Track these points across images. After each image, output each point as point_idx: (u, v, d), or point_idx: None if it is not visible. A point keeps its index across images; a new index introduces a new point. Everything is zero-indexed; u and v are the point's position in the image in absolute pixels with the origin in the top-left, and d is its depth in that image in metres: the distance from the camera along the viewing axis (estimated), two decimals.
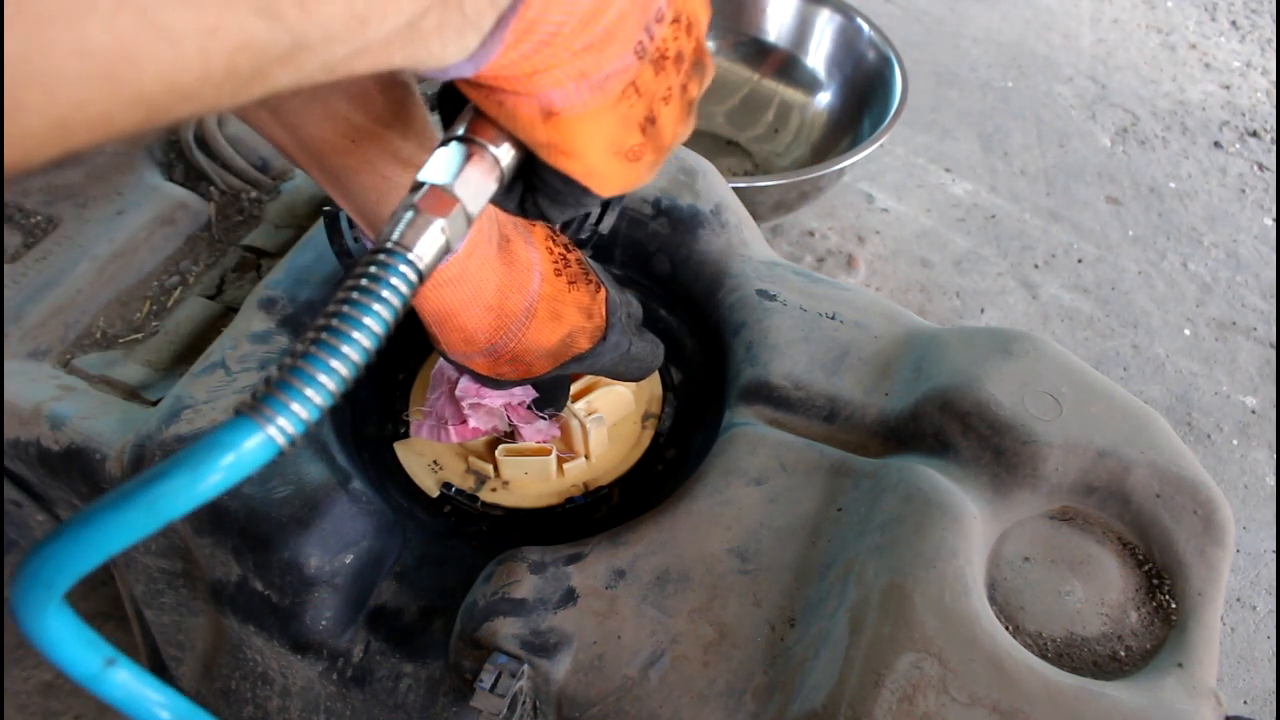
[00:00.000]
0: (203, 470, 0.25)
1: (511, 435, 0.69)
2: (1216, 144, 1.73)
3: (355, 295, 0.28)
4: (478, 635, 0.54)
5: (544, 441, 0.68)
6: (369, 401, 0.73)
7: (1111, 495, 0.60)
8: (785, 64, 1.57)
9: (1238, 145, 1.73)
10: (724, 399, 0.69)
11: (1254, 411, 1.31)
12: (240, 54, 0.21)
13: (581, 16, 0.29)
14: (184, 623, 0.66)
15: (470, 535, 0.66)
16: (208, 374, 0.65)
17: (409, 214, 0.31)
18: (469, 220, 0.33)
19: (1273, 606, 1.12)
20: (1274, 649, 1.08)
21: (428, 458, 0.69)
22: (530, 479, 0.67)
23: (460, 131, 0.34)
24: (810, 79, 1.55)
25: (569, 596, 0.55)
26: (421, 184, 0.32)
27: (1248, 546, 1.17)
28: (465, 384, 0.66)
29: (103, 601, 0.96)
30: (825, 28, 1.52)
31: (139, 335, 0.74)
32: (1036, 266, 1.47)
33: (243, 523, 0.58)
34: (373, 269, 0.29)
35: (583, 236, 0.72)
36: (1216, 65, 1.92)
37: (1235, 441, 1.27)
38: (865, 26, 1.46)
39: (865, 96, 1.45)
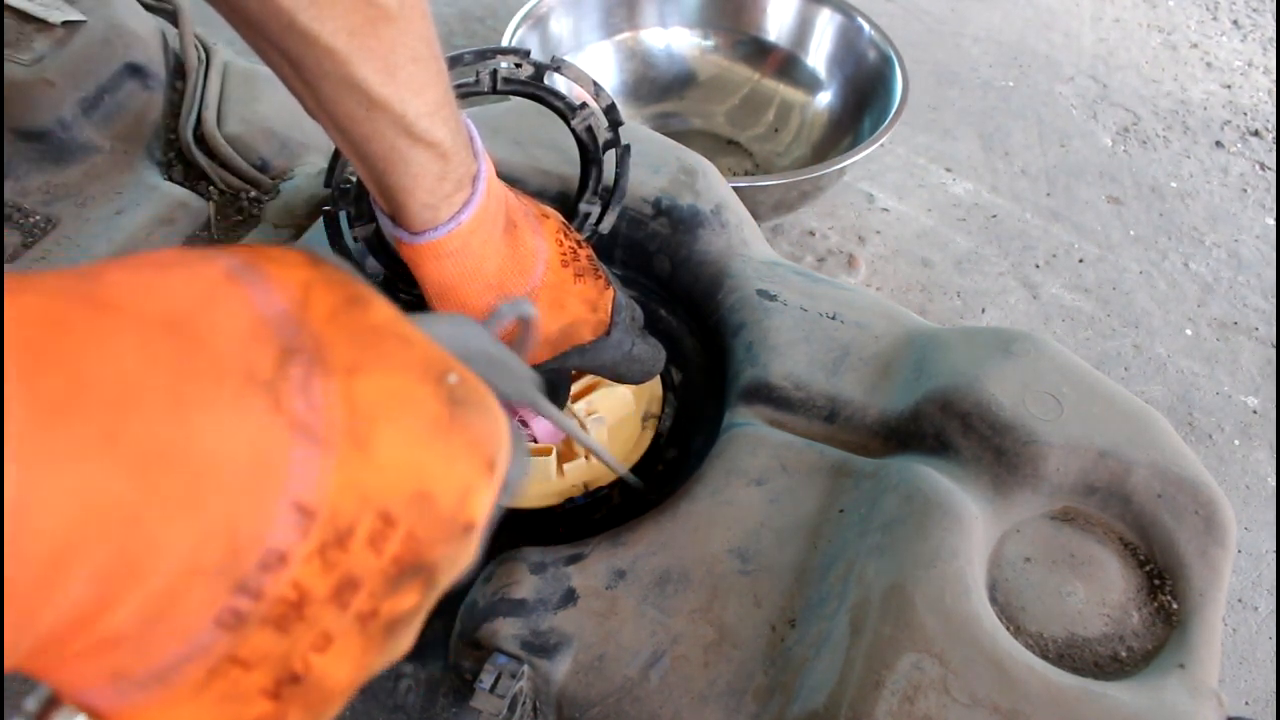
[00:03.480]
0: None
1: None
2: (1218, 143, 1.73)
3: None
4: (478, 635, 0.54)
5: (553, 441, 0.68)
6: None
7: (1113, 495, 0.60)
8: (786, 63, 1.57)
9: (1239, 145, 1.73)
10: (724, 399, 0.69)
11: (1255, 412, 1.31)
12: None
13: (66, 621, 0.20)
14: None
15: None
16: None
17: None
18: None
19: (1274, 607, 1.11)
20: (1275, 650, 1.08)
21: None
22: (530, 479, 0.67)
23: (30, 703, 0.25)
24: (811, 78, 1.55)
25: (569, 597, 0.55)
26: None
27: (1249, 547, 1.17)
28: None
29: None
30: (826, 27, 1.52)
31: None
32: (1037, 266, 1.47)
33: None
34: None
35: (583, 236, 0.72)
36: (1218, 64, 1.92)
37: (1237, 442, 1.27)
38: (866, 26, 1.46)
39: (866, 96, 1.45)
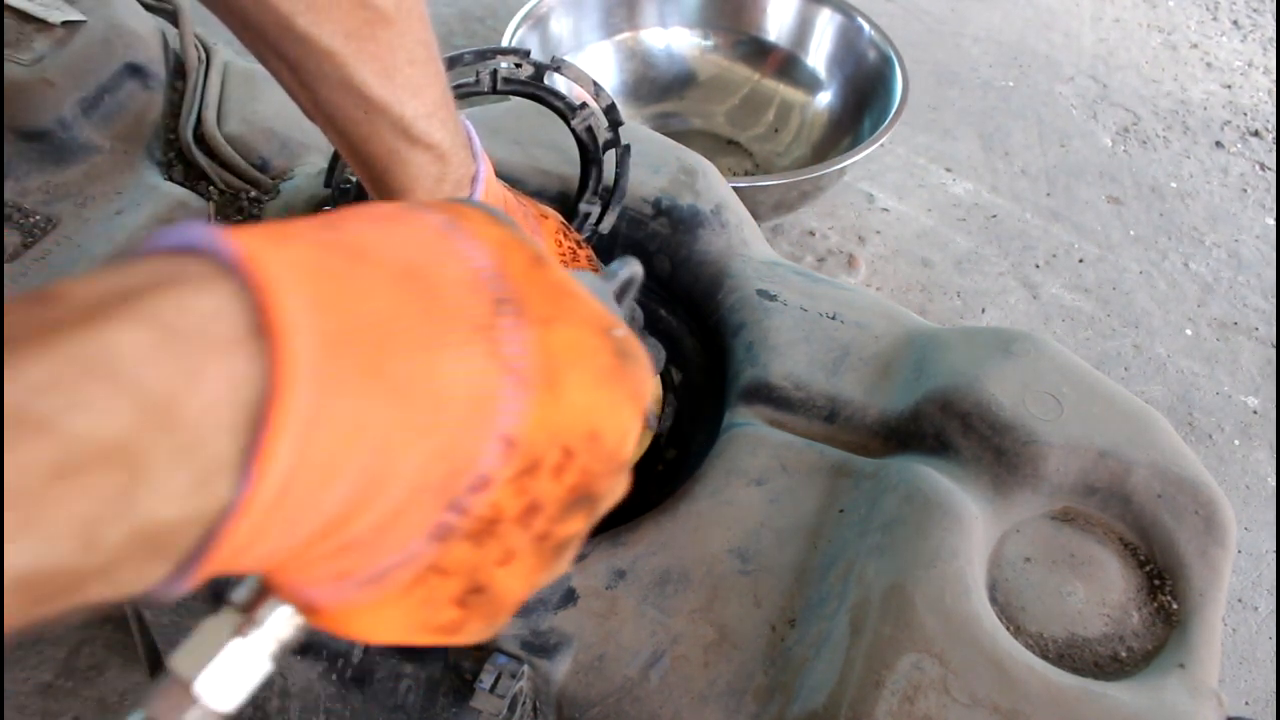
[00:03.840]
0: None
1: None
2: (1218, 144, 1.73)
3: None
4: None
5: None
6: None
7: (1113, 495, 0.60)
8: (786, 63, 1.57)
9: (1239, 145, 1.73)
10: (724, 399, 0.69)
11: (1255, 412, 1.31)
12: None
13: (320, 527, 0.23)
14: (183, 623, 0.66)
15: None
16: None
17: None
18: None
19: (1274, 607, 1.11)
20: (1275, 650, 1.08)
21: None
22: None
23: (239, 595, 0.27)
24: (811, 78, 1.55)
25: (569, 597, 0.55)
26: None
27: (1249, 547, 1.17)
28: None
29: None
30: (826, 27, 1.52)
31: None
32: (1037, 266, 1.47)
33: None
34: None
35: (583, 236, 0.72)
36: (1218, 65, 1.92)
37: (1237, 442, 1.27)
38: (866, 26, 1.46)
39: (866, 96, 1.45)
